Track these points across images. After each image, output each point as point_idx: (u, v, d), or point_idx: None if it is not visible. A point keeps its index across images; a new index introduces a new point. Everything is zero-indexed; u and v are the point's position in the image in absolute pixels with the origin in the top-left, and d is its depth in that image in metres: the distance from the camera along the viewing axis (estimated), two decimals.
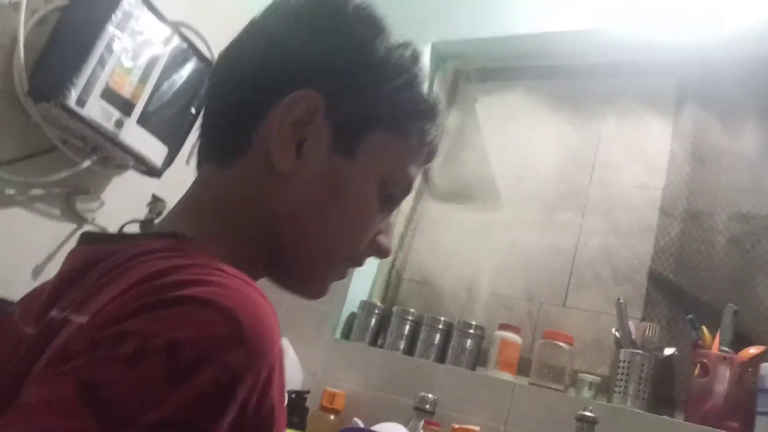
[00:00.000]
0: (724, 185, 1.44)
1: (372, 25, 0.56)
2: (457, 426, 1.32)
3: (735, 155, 1.46)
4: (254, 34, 0.58)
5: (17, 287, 1.35)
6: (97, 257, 0.50)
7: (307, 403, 1.43)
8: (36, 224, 1.42)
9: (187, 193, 0.57)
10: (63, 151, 1.39)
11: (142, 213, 1.61)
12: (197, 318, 0.36)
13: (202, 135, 0.59)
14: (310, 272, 0.57)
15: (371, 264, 1.73)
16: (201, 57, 1.55)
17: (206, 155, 0.57)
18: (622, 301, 1.36)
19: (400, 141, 0.57)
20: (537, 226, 1.62)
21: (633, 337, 1.33)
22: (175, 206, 0.57)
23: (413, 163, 0.59)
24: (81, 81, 1.31)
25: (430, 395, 1.36)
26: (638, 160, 1.57)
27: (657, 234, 1.46)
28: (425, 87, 0.59)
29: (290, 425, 1.36)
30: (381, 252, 0.61)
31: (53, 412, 0.33)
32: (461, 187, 1.79)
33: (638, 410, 1.26)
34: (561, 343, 1.40)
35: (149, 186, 1.59)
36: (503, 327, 1.48)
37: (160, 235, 0.51)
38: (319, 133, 0.53)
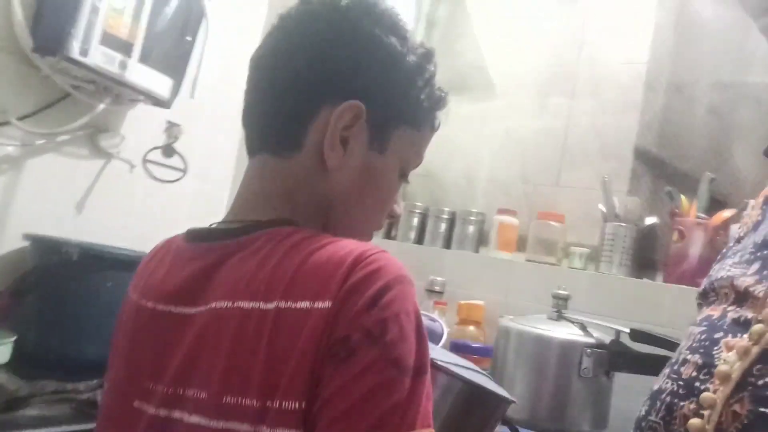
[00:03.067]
0: (707, 54, 1.47)
1: (400, 34, 0.65)
2: (463, 302, 1.51)
3: (718, 22, 1.47)
4: (294, 42, 0.65)
5: (66, 223, 1.54)
6: (228, 251, 0.60)
7: None
8: (69, 166, 1.57)
9: (249, 180, 0.67)
10: (77, 97, 1.51)
11: (161, 140, 1.73)
12: (408, 292, 0.54)
13: (252, 127, 0.68)
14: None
15: None
16: None
17: (260, 146, 0.67)
18: (606, 178, 1.46)
19: (417, 132, 0.68)
20: (530, 111, 1.70)
21: (617, 211, 1.45)
22: (243, 193, 0.67)
23: (425, 146, 0.71)
24: (79, 31, 1.38)
25: (438, 278, 1.53)
26: (624, 36, 1.59)
27: (642, 109, 1.53)
28: (436, 81, 0.69)
29: None
30: (394, 217, 0.74)
31: (389, 391, 0.48)
32: (456, 78, 1.84)
33: (623, 276, 1.42)
34: (553, 222, 1.53)
35: (163, 114, 1.70)
36: (501, 211, 1.61)
37: (279, 222, 0.61)
38: (359, 134, 0.64)
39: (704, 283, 0.67)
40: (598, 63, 1.61)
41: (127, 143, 1.67)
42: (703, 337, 0.61)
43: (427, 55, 0.68)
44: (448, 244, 1.68)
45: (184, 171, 1.77)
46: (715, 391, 0.53)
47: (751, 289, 0.58)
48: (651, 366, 0.90)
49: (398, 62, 0.64)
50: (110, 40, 1.44)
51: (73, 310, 1.37)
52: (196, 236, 0.66)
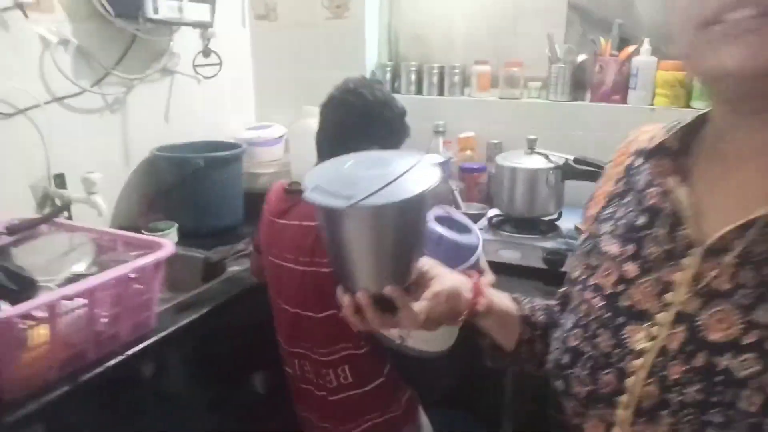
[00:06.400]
0: None
1: (395, 104, 1.43)
2: (461, 135, 2.18)
3: None
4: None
5: (158, 131, 2.09)
6: None
7: None
8: (162, 95, 2.07)
9: None
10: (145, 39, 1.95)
11: (200, 45, 2.18)
12: None
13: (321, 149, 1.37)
14: None
15: (374, 33, 2.35)
16: None
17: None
18: (550, 32, 2.05)
19: None
20: None
21: (558, 54, 2.07)
22: None
23: None
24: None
25: (440, 121, 2.17)
26: None
27: None
28: None
29: None
30: None
31: None
32: None
33: (563, 101, 2.09)
34: (515, 68, 2.15)
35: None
36: (477, 62, 2.20)
37: None
38: None
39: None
40: None
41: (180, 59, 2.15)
42: None
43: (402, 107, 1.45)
44: (441, 92, 2.29)
45: (220, 65, 2.26)
46: None
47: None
48: (587, 175, 1.64)
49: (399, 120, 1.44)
50: None
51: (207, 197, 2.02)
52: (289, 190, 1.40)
